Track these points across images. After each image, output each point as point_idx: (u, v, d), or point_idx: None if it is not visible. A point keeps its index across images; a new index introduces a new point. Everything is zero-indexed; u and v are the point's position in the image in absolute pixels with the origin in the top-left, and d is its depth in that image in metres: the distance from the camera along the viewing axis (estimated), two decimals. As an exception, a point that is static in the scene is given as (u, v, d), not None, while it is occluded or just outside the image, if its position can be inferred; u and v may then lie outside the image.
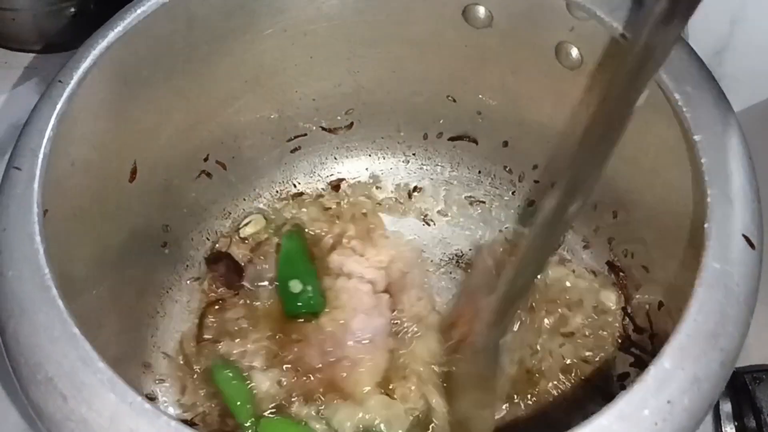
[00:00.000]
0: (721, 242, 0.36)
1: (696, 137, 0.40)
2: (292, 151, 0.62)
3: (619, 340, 0.54)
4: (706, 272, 0.36)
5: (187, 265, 0.60)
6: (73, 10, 0.69)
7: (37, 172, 0.40)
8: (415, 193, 0.63)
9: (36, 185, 0.40)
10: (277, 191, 0.63)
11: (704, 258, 0.36)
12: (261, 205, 0.63)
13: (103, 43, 0.44)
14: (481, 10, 0.51)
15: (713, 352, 0.34)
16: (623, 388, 0.34)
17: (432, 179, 0.64)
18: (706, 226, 0.37)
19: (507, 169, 0.62)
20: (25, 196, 0.39)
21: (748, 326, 0.36)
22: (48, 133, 0.41)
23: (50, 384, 0.35)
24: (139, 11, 0.45)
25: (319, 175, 0.64)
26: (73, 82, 0.43)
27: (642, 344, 0.52)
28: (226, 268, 0.59)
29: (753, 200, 0.38)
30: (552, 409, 0.52)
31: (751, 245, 0.37)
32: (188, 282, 0.60)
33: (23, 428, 0.54)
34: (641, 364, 0.52)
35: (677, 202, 0.44)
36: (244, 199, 0.62)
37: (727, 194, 0.38)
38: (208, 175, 0.58)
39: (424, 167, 0.64)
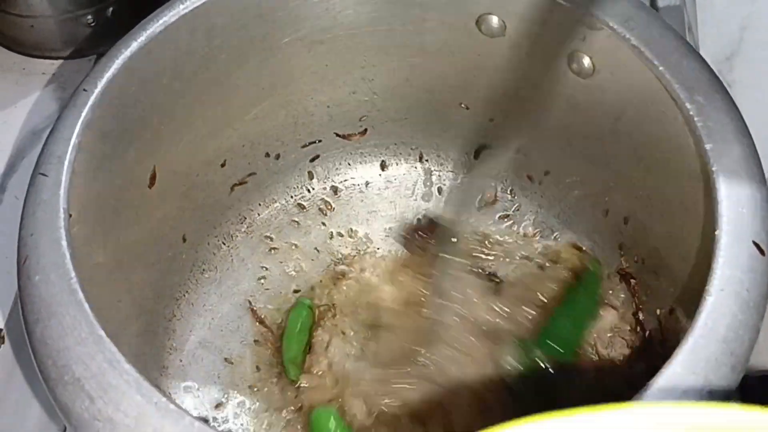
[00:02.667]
0: (731, 249, 0.37)
1: (707, 146, 0.40)
2: (307, 158, 0.63)
3: (630, 346, 0.55)
4: (717, 278, 0.36)
5: (204, 269, 0.61)
6: (90, 17, 0.70)
7: (63, 179, 0.41)
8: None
9: (62, 191, 0.41)
10: (291, 196, 0.64)
11: (715, 264, 0.37)
12: (276, 211, 0.64)
13: (126, 53, 0.45)
14: (495, 20, 0.52)
15: (724, 357, 0.35)
16: (634, 393, 0.35)
17: (445, 185, 0.64)
18: (716, 232, 0.38)
19: (519, 176, 0.62)
20: (52, 202, 0.40)
21: (758, 331, 0.36)
22: (73, 140, 0.42)
23: (77, 385, 0.36)
24: (160, 21, 0.46)
25: (333, 181, 0.65)
26: (97, 91, 0.44)
27: (652, 350, 0.53)
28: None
29: (763, 207, 0.39)
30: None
31: (761, 252, 0.37)
32: (204, 286, 0.61)
33: (45, 420, 0.55)
34: (652, 370, 0.52)
35: (688, 208, 0.44)
36: (260, 204, 0.63)
37: (738, 201, 0.38)
38: (225, 180, 0.59)
39: (437, 173, 0.65)
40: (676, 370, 0.34)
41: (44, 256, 0.39)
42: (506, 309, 0.55)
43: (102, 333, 0.36)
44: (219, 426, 0.55)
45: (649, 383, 0.34)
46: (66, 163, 0.42)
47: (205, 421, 0.55)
